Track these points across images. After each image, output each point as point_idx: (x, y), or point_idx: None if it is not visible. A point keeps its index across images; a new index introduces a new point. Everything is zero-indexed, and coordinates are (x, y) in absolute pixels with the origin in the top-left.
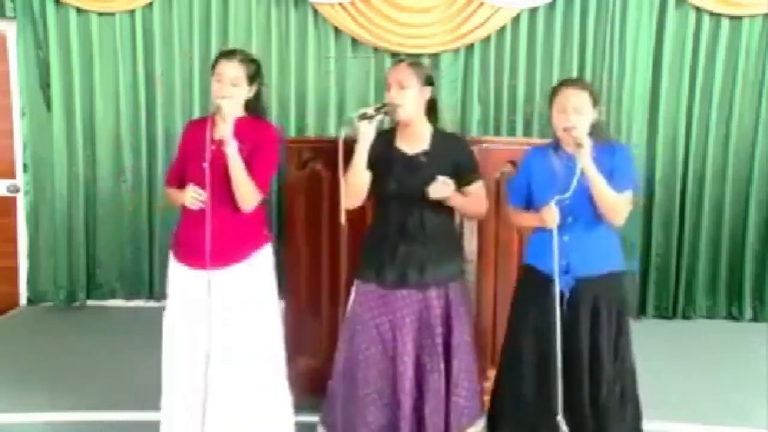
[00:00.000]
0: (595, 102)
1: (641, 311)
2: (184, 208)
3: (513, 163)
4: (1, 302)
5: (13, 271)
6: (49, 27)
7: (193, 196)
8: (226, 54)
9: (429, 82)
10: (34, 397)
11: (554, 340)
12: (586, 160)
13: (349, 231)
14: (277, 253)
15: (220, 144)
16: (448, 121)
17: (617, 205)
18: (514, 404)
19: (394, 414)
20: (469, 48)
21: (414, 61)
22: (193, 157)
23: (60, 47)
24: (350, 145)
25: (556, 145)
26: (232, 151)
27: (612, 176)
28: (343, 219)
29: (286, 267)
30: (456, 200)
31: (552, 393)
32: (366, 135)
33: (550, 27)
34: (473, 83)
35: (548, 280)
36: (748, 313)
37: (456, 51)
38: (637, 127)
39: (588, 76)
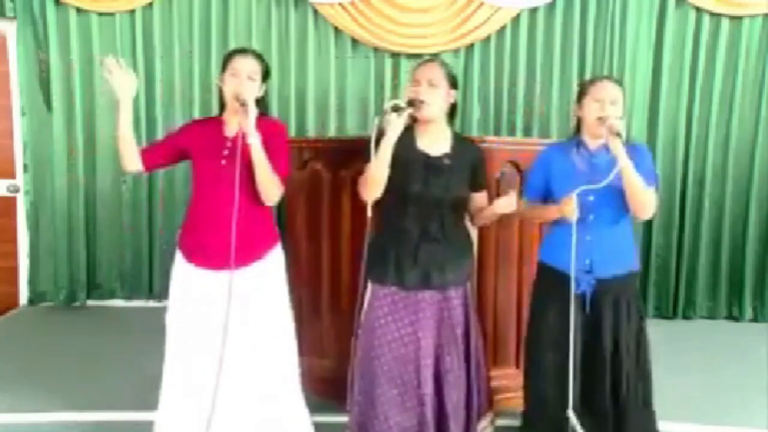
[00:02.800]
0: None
1: None
2: (192, 207)
3: (513, 163)
4: (1, 302)
5: (13, 271)
6: (49, 27)
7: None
8: (241, 51)
9: (455, 84)
10: (34, 397)
11: (570, 339)
12: (621, 150)
13: (350, 229)
14: None
15: (235, 141)
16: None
17: (648, 198)
18: (538, 405)
19: (418, 414)
20: (469, 48)
21: (443, 61)
22: (207, 155)
23: (60, 47)
24: (352, 142)
25: (579, 142)
26: (257, 142)
27: (637, 171)
28: (369, 212)
29: (287, 267)
30: (508, 209)
31: (573, 391)
32: (396, 127)
33: (550, 27)
34: (473, 83)
35: (566, 279)
36: (749, 313)
37: (456, 51)
38: (637, 127)
39: (588, 76)
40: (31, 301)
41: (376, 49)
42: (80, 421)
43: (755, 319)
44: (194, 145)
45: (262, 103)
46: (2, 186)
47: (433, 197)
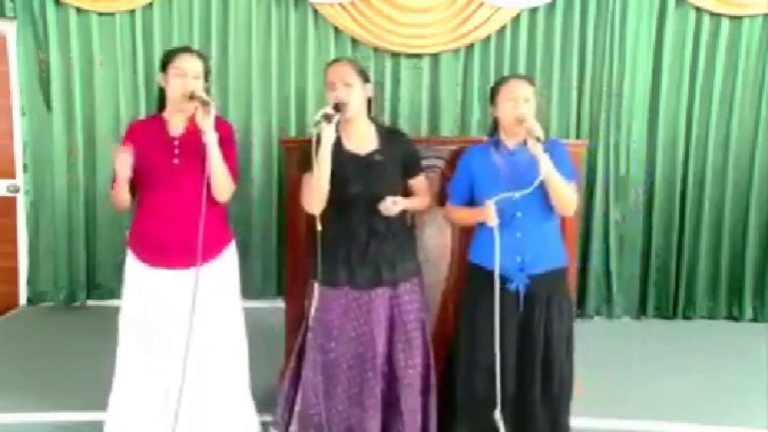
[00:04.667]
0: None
1: (641, 311)
2: (146, 207)
3: None
4: (1, 302)
5: (13, 271)
6: (49, 27)
7: (121, 159)
8: (185, 49)
9: (367, 78)
10: (34, 397)
11: (495, 336)
12: (542, 155)
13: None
14: (279, 253)
15: (184, 140)
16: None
17: (570, 196)
18: (467, 402)
19: (375, 411)
20: (469, 48)
21: (351, 58)
22: (156, 155)
23: (60, 47)
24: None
25: (497, 142)
26: (214, 141)
27: (557, 169)
28: (319, 226)
29: (287, 267)
30: (408, 205)
31: (496, 389)
32: (329, 136)
33: (550, 27)
34: (473, 83)
35: (499, 278)
36: (749, 313)
37: (456, 51)
38: (637, 127)
39: (588, 76)
40: (31, 301)
41: (376, 49)
42: (80, 421)
43: (755, 319)
44: (141, 146)
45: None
46: (2, 186)
47: (373, 195)
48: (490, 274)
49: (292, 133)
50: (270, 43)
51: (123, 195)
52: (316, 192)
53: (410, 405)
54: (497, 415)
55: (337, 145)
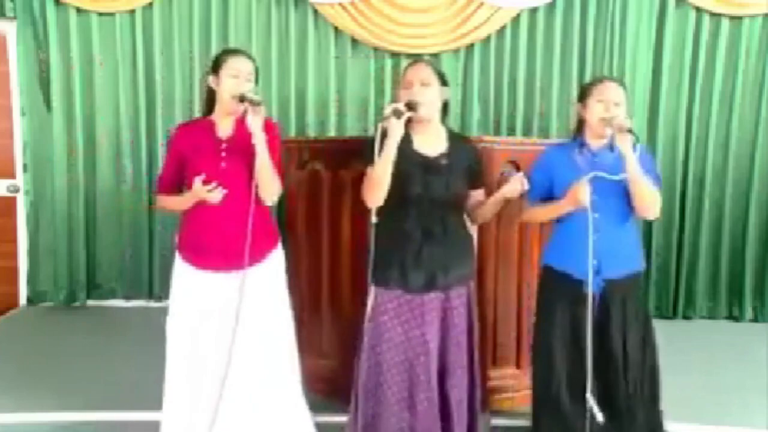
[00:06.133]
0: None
1: None
2: (191, 210)
3: (513, 162)
4: (1, 302)
5: (13, 271)
6: (49, 27)
7: (210, 190)
8: (235, 51)
9: (445, 82)
10: (34, 397)
11: (586, 341)
12: (630, 148)
13: (350, 229)
14: None
15: (231, 142)
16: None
17: (655, 198)
18: (549, 408)
19: (427, 414)
20: (469, 48)
21: (430, 60)
22: (204, 158)
23: (60, 47)
24: (352, 142)
25: (582, 143)
26: (263, 142)
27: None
28: (374, 218)
29: (287, 267)
30: (496, 205)
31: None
32: (397, 131)
33: (550, 27)
34: (473, 83)
35: (574, 282)
36: (749, 313)
37: (456, 51)
38: (637, 127)
39: (588, 76)
40: (31, 301)
41: (376, 49)
42: (80, 421)
43: (755, 319)
44: (189, 149)
45: None
46: (2, 186)
47: (433, 198)
48: (566, 276)
49: (292, 133)
50: (270, 43)
51: (181, 208)
52: (376, 185)
53: (458, 407)
54: (589, 396)
55: (407, 144)
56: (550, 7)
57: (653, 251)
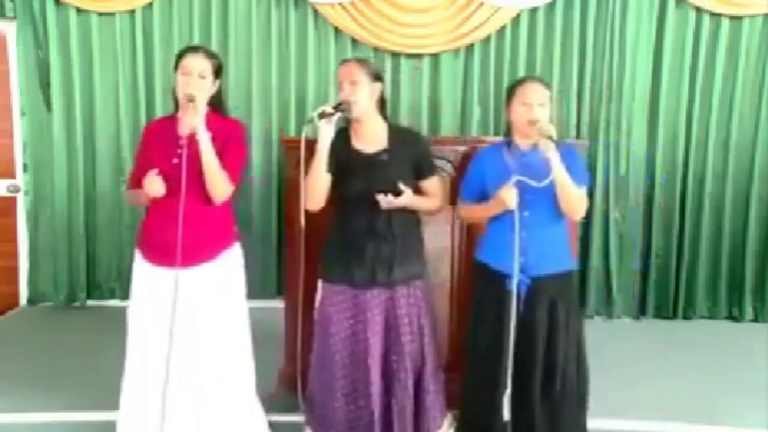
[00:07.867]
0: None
1: (641, 311)
2: (151, 206)
3: None
4: (1, 302)
5: (13, 271)
6: (49, 27)
7: (154, 184)
8: (192, 49)
9: (378, 78)
10: (34, 397)
11: (508, 336)
12: (554, 154)
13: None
14: (279, 253)
15: (189, 139)
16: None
17: (580, 199)
18: (469, 405)
19: (368, 413)
20: (469, 48)
21: (361, 58)
22: (161, 154)
23: (60, 47)
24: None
25: (509, 143)
26: (205, 139)
27: (568, 173)
28: (302, 222)
29: (286, 267)
30: (412, 203)
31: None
32: (326, 134)
33: (550, 27)
34: (473, 83)
35: (503, 278)
36: (749, 313)
37: (456, 51)
38: (637, 127)
39: (588, 76)
40: (31, 301)
41: (376, 49)
42: (80, 421)
43: (755, 320)
44: (153, 145)
45: (216, 100)
46: (2, 186)
47: (374, 194)
48: (494, 272)
49: (292, 133)
50: (270, 44)
51: (141, 202)
52: (309, 189)
53: (402, 408)
54: (505, 399)
55: (345, 143)
56: (550, 7)
57: (653, 251)
